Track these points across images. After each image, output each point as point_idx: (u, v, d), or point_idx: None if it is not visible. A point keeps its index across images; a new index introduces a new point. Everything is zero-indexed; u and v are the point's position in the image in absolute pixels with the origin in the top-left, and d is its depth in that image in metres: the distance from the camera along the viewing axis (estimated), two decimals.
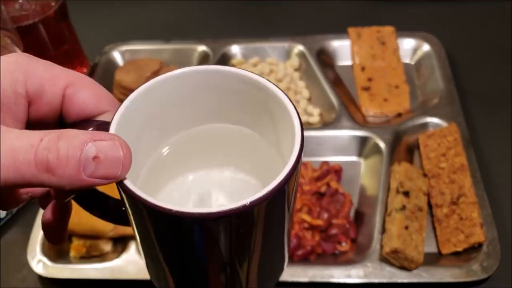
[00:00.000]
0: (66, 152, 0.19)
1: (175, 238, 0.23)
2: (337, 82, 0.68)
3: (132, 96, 0.24)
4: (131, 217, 0.23)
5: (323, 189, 0.55)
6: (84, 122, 0.24)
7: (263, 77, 0.25)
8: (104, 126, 0.23)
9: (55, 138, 0.20)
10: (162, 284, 0.28)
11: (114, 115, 0.23)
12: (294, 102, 0.74)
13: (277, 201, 0.22)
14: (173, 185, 0.28)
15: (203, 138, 0.28)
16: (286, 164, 0.21)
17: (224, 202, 0.27)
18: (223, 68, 0.25)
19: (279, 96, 0.24)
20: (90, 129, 0.23)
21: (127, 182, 0.21)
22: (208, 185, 0.28)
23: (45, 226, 0.27)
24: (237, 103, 0.27)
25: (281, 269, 0.30)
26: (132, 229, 0.25)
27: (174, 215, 0.20)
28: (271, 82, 0.25)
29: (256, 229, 0.23)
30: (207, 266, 0.25)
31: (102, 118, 0.24)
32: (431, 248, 0.51)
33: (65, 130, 0.20)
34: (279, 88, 0.25)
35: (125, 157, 0.21)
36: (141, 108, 0.25)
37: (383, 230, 0.51)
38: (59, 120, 0.24)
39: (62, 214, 0.27)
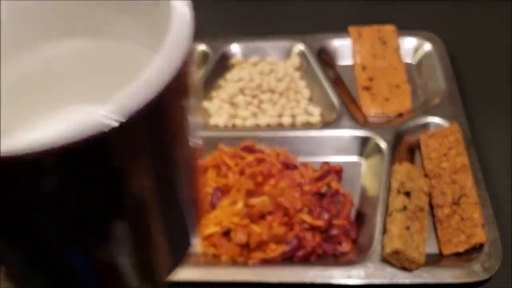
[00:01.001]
0: None
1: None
2: (337, 82, 0.68)
3: None
4: None
5: (323, 189, 0.55)
6: None
7: None
8: None
9: None
10: None
11: None
12: (294, 102, 0.73)
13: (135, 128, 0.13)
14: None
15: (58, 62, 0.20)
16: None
17: None
18: None
19: None
20: None
21: None
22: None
23: None
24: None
25: (185, 246, 0.20)
26: None
27: None
28: None
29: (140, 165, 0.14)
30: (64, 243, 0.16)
31: None
32: (432, 248, 0.51)
33: None
34: None
35: None
36: None
37: (384, 231, 0.51)
38: None
39: None
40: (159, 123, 0.14)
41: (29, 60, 0.20)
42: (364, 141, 0.60)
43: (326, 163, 0.57)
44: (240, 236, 0.50)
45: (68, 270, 0.17)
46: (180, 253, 0.20)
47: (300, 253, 0.50)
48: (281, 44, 0.71)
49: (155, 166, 0.16)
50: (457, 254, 0.50)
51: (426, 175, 0.55)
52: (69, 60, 0.20)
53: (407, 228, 0.49)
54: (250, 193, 0.52)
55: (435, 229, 0.52)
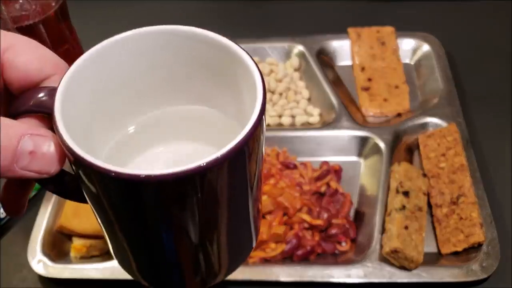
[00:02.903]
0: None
1: (127, 206, 0.21)
2: (337, 82, 0.68)
3: (82, 57, 0.22)
4: (85, 189, 0.22)
5: (323, 189, 0.55)
6: (29, 92, 0.22)
7: (225, 38, 0.23)
8: (51, 93, 0.21)
9: None
10: (127, 265, 0.26)
11: (61, 80, 0.22)
12: (294, 102, 0.73)
13: (236, 163, 0.21)
14: (141, 159, 0.26)
15: (172, 119, 0.27)
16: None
17: None
18: (189, 30, 0.24)
19: (241, 57, 0.23)
20: (38, 96, 0.22)
21: (74, 146, 0.20)
22: (175, 156, 0.26)
23: (2, 198, 0.26)
24: (203, 71, 0.25)
25: (249, 248, 0.28)
26: (90, 208, 0.24)
27: (120, 177, 0.19)
28: (233, 43, 0.23)
29: (216, 195, 0.21)
30: (166, 236, 0.23)
31: (49, 83, 0.23)
32: (431, 248, 0.51)
33: (1, 118, 0.20)
34: (243, 49, 0.23)
35: (60, 156, 0.21)
36: (94, 72, 0.23)
37: (383, 230, 0.51)
38: (5, 88, 0.23)
39: (17, 187, 0.26)
40: (243, 164, 0.21)
41: (151, 116, 0.27)
42: (363, 141, 0.60)
43: (326, 162, 0.57)
44: None
45: (161, 255, 0.24)
46: (247, 251, 0.28)
47: (300, 252, 0.51)
48: (280, 45, 0.71)
49: (241, 189, 0.23)
50: (456, 254, 0.50)
51: (424, 175, 0.55)
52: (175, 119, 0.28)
53: (406, 227, 0.49)
54: None
55: (434, 228, 0.52)
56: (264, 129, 0.22)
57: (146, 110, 0.27)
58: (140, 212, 0.21)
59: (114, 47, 0.23)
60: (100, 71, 0.23)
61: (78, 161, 0.20)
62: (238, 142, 0.20)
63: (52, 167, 0.21)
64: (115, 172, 0.19)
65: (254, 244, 0.28)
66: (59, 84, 0.22)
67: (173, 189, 0.20)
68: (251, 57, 0.23)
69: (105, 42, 0.23)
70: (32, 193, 0.58)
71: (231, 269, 0.27)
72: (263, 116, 0.21)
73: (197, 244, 0.23)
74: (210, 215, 0.22)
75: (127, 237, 0.24)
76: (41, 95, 0.22)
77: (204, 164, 0.19)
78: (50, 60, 0.23)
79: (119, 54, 0.24)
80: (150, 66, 0.25)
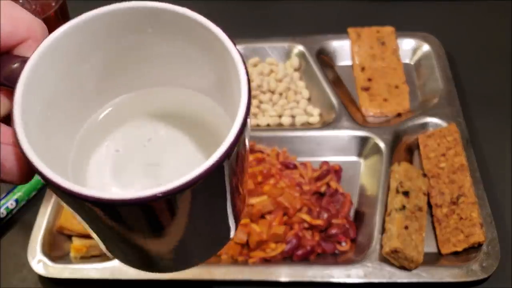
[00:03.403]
0: None
1: (88, 219, 0.21)
2: (337, 82, 0.68)
3: (49, 38, 0.20)
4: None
5: (323, 189, 0.55)
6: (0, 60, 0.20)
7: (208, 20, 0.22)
8: (21, 65, 0.20)
9: None
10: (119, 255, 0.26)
11: (26, 64, 0.20)
12: (294, 102, 0.73)
13: (211, 182, 0.19)
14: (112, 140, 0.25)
15: (148, 102, 0.26)
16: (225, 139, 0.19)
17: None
18: (172, 8, 0.22)
19: (227, 46, 0.21)
20: (6, 69, 0.20)
21: (36, 161, 0.19)
22: (142, 137, 0.25)
23: None
24: (184, 55, 0.24)
25: (226, 238, 0.27)
26: None
27: (80, 198, 0.18)
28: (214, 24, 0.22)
29: (185, 214, 0.20)
30: (142, 245, 0.23)
31: (22, 48, 0.21)
32: (431, 248, 0.51)
33: None
34: (227, 36, 0.22)
35: (22, 170, 0.20)
36: (61, 56, 0.21)
37: (383, 230, 0.51)
38: None
39: None
40: (219, 180, 0.20)
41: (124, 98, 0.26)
42: (363, 141, 0.60)
43: (326, 162, 0.57)
44: (240, 235, 0.50)
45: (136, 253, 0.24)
46: (224, 240, 0.27)
47: (300, 252, 0.51)
48: (280, 45, 0.71)
49: (214, 203, 0.22)
50: (456, 254, 0.50)
51: (424, 175, 0.55)
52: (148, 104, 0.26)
53: (406, 227, 0.49)
54: (250, 193, 0.52)
55: (434, 228, 0.52)
56: (246, 143, 0.21)
57: (120, 92, 0.25)
58: (100, 223, 0.21)
59: (82, 26, 0.21)
60: (67, 54, 0.22)
61: (39, 174, 0.19)
62: (202, 171, 0.18)
63: (14, 178, 0.20)
64: (75, 193, 0.18)
65: (232, 234, 0.27)
66: (24, 66, 0.20)
67: (135, 211, 0.19)
68: (234, 44, 0.21)
69: (73, 22, 0.21)
70: (32, 193, 0.58)
71: (208, 256, 0.27)
72: (244, 130, 0.20)
73: (169, 243, 0.23)
74: (178, 229, 0.21)
75: (97, 236, 0.24)
76: (11, 66, 0.20)
77: (160, 193, 0.18)
78: (24, 21, 0.20)
79: (89, 32, 0.22)
80: (122, 46, 0.23)
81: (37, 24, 0.21)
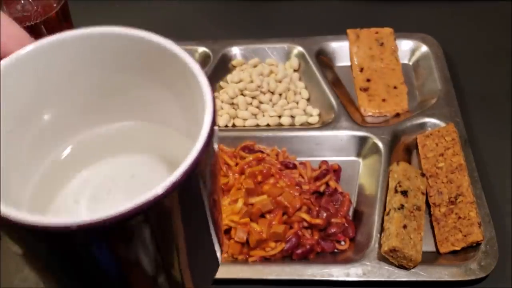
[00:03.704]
0: None
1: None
2: (336, 83, 0.68)
3: (5, 65, 0.20)
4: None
5: (322, 188, 0.55)
6: None
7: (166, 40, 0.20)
8: None
9: None
10: None
11: None
12: (293, 103, 0.73)
13: (179, 199, 0.18)
14: (71, 187, 0.23)
15: (110, 139, 0.24)
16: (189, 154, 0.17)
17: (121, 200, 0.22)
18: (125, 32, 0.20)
19: (187, 63, 0.20)
20: None
21: None
22: (107, 179, 0.23)
23: None
24: (144, 80, 0.22)
25: (215, 265, 0.26)
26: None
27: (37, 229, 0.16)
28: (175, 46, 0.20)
29: (156, 237, 0.18)
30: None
31: None
32: (429, 247, 0.51)
33: None
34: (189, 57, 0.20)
35: None
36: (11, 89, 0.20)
37: (382, 229, 0.51)
38: None
39: None
40: (189, 197, 0.19)
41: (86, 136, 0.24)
42: (362, 141, 0.60)
43: (325, 162, 0.58)
44: (240, 234, 0.51)
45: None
46: (214, 269, 0.26)
47: (299, 251, 0.51)
48: (280, 45, 0.72)
49: (195, 210, 0.20)
50: (454, 253, 0.50)
51: (423, 175, 0.55)
52: (115, 137, 0.24)
53: (405, 226, 0.50)
54: (250, 192, 0.52)
55: (432, 227, 0.53)
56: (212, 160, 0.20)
57: (84, 125, 0.24)
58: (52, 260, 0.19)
59: (32, 58, 0.20)
60: (18, 87, 0.20)
61: None
62: (158, 195, 0.16)
63: None
64: (28, 225, 0.17)
65: (220, 260, 0.25)
66: None
67: (88, 239, 0.17)
68: (197, 63, 0.20)
69: (21, 53, 0.20)
70: None
71: None
72: (213, 134, 0.19)
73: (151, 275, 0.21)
74: (162, 249, 0.20)
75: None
76: None
77: (117, 214, 0.16)
78: (15, 36, 0.21)
79: (40, 64, 0.21)
80: (75, 78, 0.22)
81: (27, 39, 0.21)
